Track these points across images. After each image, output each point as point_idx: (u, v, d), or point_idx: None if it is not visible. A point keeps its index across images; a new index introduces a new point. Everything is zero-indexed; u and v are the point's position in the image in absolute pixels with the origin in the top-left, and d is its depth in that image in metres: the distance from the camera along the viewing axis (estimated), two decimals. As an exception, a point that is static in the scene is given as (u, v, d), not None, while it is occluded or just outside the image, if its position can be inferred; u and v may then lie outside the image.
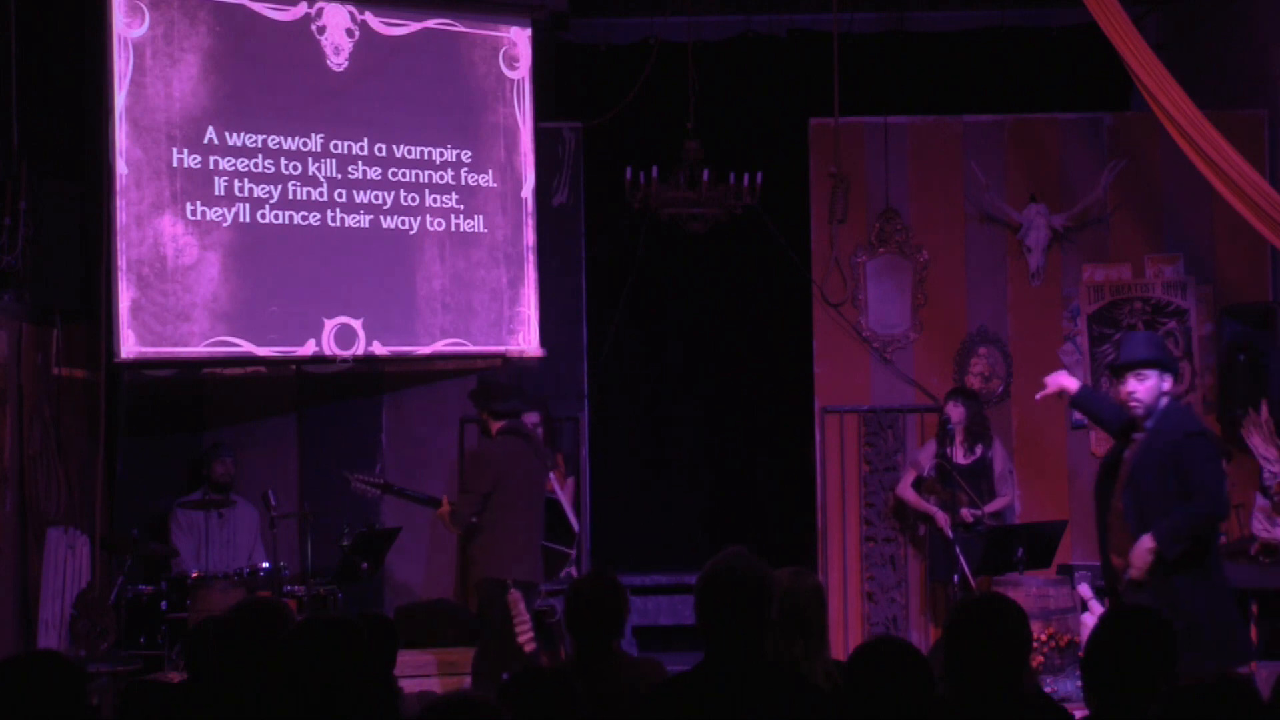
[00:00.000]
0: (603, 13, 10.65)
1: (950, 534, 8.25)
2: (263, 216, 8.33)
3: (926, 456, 8.66)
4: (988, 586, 7.71)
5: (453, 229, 8.92)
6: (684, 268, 10.49)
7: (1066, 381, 6.43)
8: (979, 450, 8.56)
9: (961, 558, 7.96)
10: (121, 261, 7.89)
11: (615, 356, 9.98)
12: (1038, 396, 6.61)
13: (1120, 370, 6.03)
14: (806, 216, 9.38)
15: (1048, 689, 7.07)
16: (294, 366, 8.69)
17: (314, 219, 8.48)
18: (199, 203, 8.15)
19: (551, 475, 7.68)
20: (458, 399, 9.21)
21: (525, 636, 7.02)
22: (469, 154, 8.97)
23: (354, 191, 8.60)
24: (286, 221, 8.40)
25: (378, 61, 8.72)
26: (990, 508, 8.43)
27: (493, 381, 7.69)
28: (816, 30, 10.10)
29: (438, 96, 8.92)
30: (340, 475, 7.67)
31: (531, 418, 8.51)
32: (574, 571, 7.97)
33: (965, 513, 8.33)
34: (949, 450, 8.51)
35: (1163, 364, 6.01)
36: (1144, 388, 5.94)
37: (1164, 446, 5.91)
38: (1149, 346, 6.10)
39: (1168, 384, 5.99)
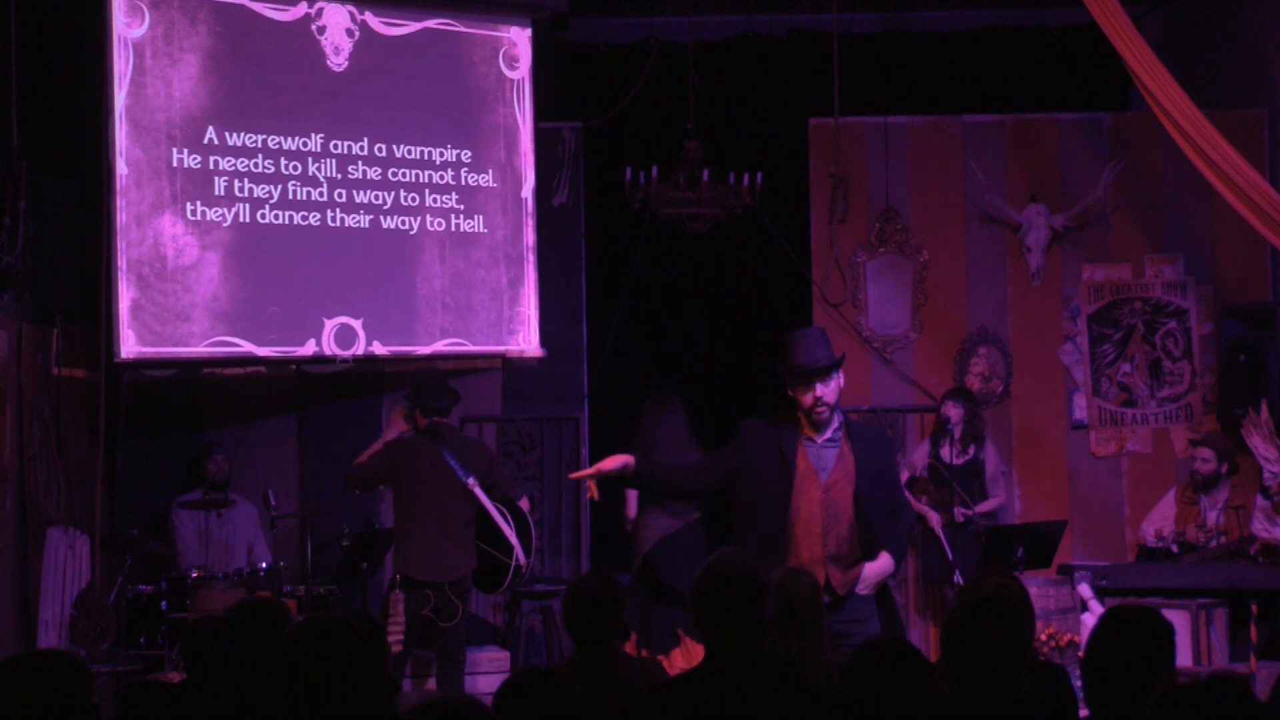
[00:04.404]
0: (603, 13, 10.65)
1: (942, 534, 8.25)
2: (263, 216, 8.33)
3: (920, 456, 8.67)
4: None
5: (453, 229, 8.92)
6: (684, 268, 10.48)
7: (623, 460, 6.03)
8: (972, 450, 8.56)
9: (952, 557, 7.97)
10: (121, 261, 7.90)
11: (615, 356, 9.97)
12: (571, 476, 6.20)
13: (807, 378, 5.61)
14: (806, 216, 9.38)
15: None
16: (294, 366, 8.69)
17: (314, 219, 8.48)
18: (199, 203, 8.15)
19: (471, 481, 7.32)
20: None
21: (395, 637, 6.94)
22: (469, 154, 8.97)
23: (354, 191, 8.60)
24: (286, 221, 8.40)
25: (378, 61, 8.72)
26: (981, 508, 8.43)
27: (427, 378, 7.60)
28: (816, 30, 10.10)
29: (438, 96, 8.92)
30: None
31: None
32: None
33: (958, 512, 8.34)
34: (943, 450, 8.52)
35: (840, 363, 5.70)
36: (830, 390, 5.61)
37: (875, 463, 5.67)
38: (825, 347, 5.69)
39: (842, 381, 5.69)
